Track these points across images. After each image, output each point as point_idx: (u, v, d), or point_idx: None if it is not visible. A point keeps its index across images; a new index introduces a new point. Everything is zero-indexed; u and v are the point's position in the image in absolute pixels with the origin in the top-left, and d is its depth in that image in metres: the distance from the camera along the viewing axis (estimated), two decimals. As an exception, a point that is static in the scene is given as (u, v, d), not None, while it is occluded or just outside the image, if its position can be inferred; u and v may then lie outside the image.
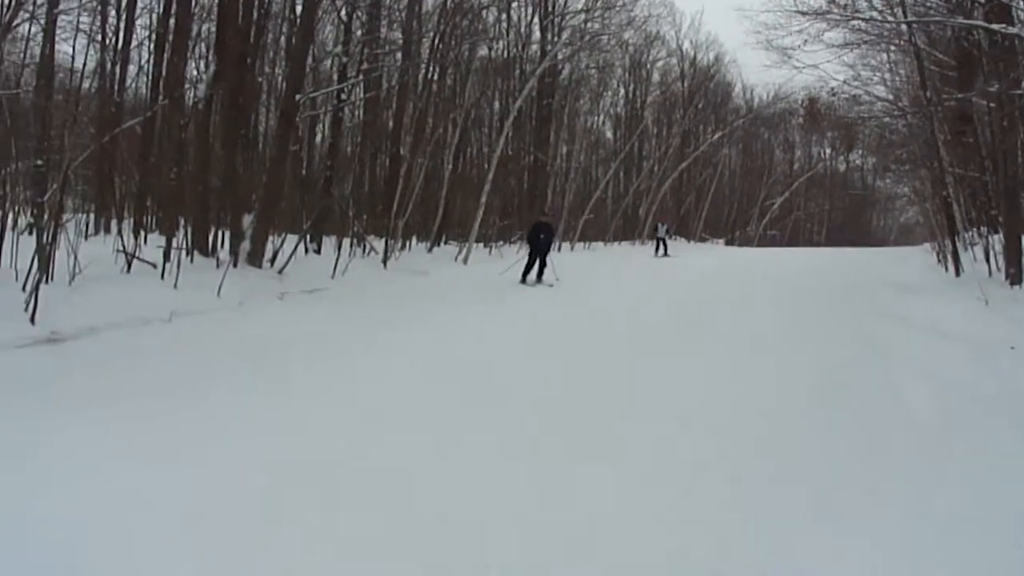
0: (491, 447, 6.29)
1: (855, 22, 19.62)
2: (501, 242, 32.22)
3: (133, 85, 27.76)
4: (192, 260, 15.22)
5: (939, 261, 22.47)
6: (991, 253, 17.56)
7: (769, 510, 5.09)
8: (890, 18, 19.31)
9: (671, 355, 10.44)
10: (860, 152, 62.14)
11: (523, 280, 19.40)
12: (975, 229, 23.39)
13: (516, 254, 30.66)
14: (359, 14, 24.74)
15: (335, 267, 18.12)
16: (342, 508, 4.97)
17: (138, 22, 25.75)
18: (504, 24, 35.52)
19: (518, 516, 4.91)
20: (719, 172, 56.80)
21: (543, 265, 19.60)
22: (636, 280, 22.25)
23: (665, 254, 34.80)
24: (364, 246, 22.83)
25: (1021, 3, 15.55)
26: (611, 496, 5.27)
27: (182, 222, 16.11)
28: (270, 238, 17.22)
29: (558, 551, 4.48)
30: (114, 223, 20.37)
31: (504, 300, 16.80)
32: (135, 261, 13.79)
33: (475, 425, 6.88)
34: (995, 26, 14.99)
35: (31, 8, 16.90)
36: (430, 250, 27.37)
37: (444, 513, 4.94)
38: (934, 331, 11.71)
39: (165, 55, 22.09)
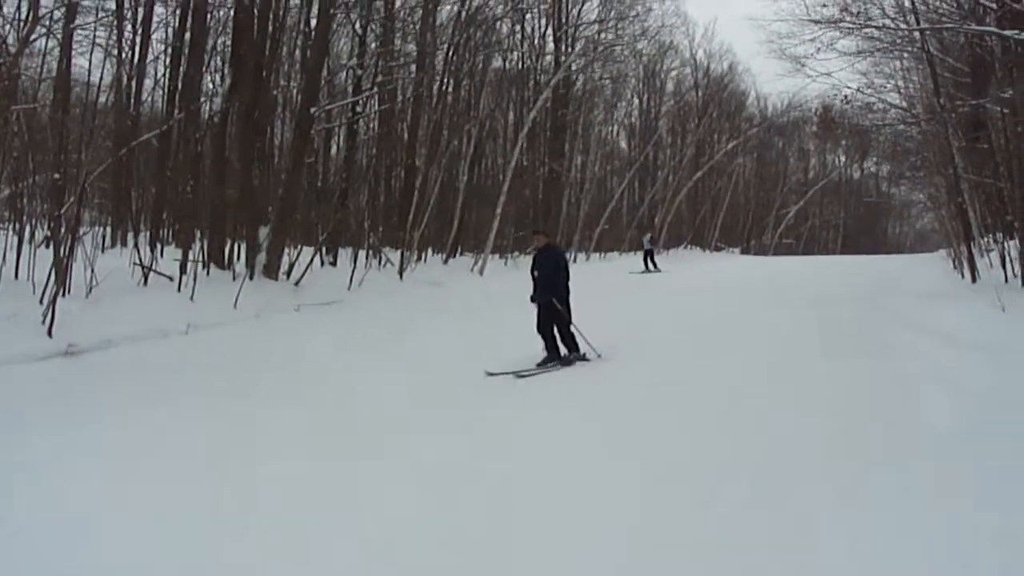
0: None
1: (868, 30, 19.64)
2: (516, 253, 32.26)
3: (149, 99, 27.92)
4: (208, 273, 15.32)
5: (955, 267, 22.39)
6: (1007, 259, 17.49)
7: (794, 507, 5.16)
8: (903, 25, 19.32)
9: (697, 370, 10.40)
10: (874, 159, 62.08)
11: (566, 353, 10.74)
12: (991, 235, 23.32)
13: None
14: (374, 27, 24.86)
15: (351, 279, 18.21)
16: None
17: (154, 36, 25.88)
18: (518, 36, 35.70)
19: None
20: (734, 181, 56.80)
21: (562, 324, 10.78)
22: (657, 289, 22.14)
23: (655, 268, 31.91)
24: (380, 258, 22.89)
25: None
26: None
27: (198, 235, 16.20)
28: (286, 250, 17.32)
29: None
30: (131, 236, 20.49)
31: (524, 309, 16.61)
32: (152, 274, 13.89)
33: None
34: (1008, 32, 14.98)
35: (48, 23, 17.00)
36: (446, 261, 27.44)
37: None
38: (952, 338, 11.63)
39: (181, 69, 22.24)
